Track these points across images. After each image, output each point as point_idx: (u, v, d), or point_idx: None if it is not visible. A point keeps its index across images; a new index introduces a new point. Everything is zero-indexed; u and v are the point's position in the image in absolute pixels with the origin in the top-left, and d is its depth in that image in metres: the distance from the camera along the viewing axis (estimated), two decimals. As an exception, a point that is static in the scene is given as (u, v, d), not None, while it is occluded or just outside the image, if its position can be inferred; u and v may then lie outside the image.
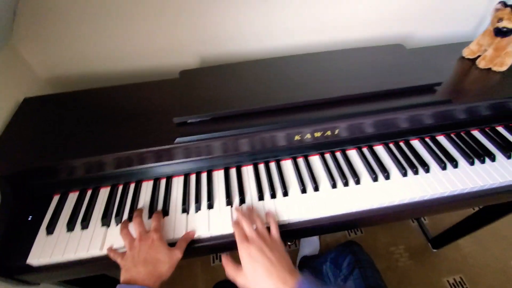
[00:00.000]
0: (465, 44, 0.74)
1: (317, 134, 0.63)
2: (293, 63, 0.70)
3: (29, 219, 0.60)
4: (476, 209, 1.11)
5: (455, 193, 0.61)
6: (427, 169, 0.63)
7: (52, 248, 0.55)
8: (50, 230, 0.57)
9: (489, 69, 0.70)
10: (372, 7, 0.81)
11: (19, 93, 0.71)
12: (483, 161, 0.64)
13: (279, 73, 0.67)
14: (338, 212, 0.58)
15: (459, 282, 1.19)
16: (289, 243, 1.30)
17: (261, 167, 0.66)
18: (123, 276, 0.47)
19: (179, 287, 1.19)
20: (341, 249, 0.85)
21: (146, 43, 0.76)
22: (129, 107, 0.65)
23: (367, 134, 0.67)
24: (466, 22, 0.88)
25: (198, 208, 0.58)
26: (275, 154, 0.67)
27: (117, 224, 0.57)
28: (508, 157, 0.65)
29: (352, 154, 0.67)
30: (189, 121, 0.59)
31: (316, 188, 0.61)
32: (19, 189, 0.62)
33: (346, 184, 0.61)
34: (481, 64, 0.69)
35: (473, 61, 0.72)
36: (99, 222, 0.57)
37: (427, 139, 0.69)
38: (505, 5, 0.63)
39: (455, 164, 0.63)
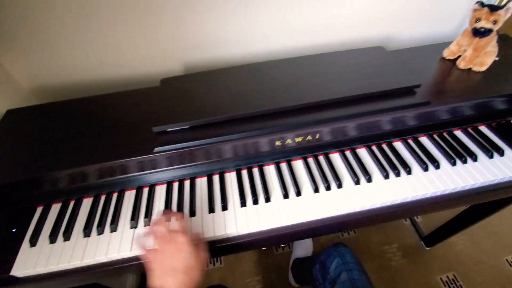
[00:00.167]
0: (447, 44, 0.74)
1: (298, 139, 0.63)
2: (274, 68, 0.70)
3: (14, 231, 0.60)
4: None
5: (437, 194, 0.61)
6: (408, 171, 0.63)
7: (35, 260, 0.55)
8: (33, 242, 0.57)
9: (470, 69, 0.70)
10: (354, 10, 0.81)
11: (1, 105, 0.71)
12: (465, 162, 0.64)
13: (259, 79, 0.67)
14: (320, 216, 0.59)
15: (452, 279, 1.19)
16: (282, 245, 1.30)
17: (244, 173, 0.66)
18: (156, 282, 0.45)
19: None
20: (328, 252, 0.85)
21: (127, 51, 0.76)
22: (110, 117, 0.65)
23: (349, 137, 0.67)
24: (448, 22, 0.88)
25: (180, 217, 0.58)
26: (258, 159, 0.67)
27: (98, 234, 0.57)
28: (490, 157, 0.65)
29: (335, 157, 0.67)
30: (168, 130, 0.59)
31: (298, 193, 0.61)
32: (3, 201, 0.62)
33: (328, 188, 0.61)
34: (461, 64, 0.70)
35: (453, 61, 0.73)
36: (81, 234, 0.57)
37: (409, 141, 0.69)
38: (483, 5, 0.63)
39: (436, 165, 0.64)
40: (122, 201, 0.62)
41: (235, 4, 0.73)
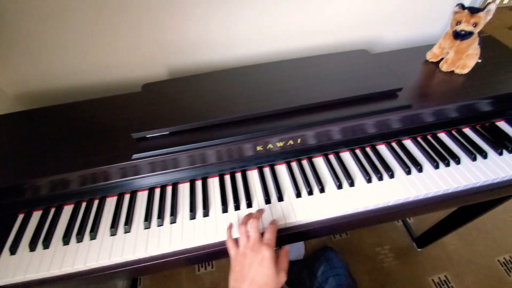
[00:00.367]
0: (431, 47, 0.74)
1: (280, 144, 0.63)
2: (256, 72, 0.70)
3: (-6, 239, 0.59)
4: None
5: (420, 197, 0.61)
6: (391, 174, 0.63)
7: (14, 268, 0.55)
8: (12, 250, 0.56)
9: (452, 71, 0.70)
10: (339, 13, 0.81)
11: (-16, 112, 0.70)
12: (447, 165, 0.64)
13: (242, 83, 0.67)
14: (301, 221, 0.58)
15: (444, 280, 1.19)
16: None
17: (227, 178, 0.66)
18: (231, 283, 0.48)
19: (165, 296, 1.19)
20: (316, 256, 0.85)
21: (111, 56, 0.75)
22: (91, 123, 0.65)
23: (333, 141, 0.67)
24: (434, 24, 0.88)
25: (160, 223, 0.58)
26: (242, 164, 0.67)
27: (77, 242, 0.56)
28: (473, 160, 0.65)
29: (319, 161, 0.67)
30: (148, 136, 0.58)
31: (280, 198, 0.61)
32: (-16, 209, 0.62)
33: (310, 192, 0.61)
34: (444, 67, 0.69)
35: (436, 64, 0.72)
36: (61, 241, 0.57)
37: (393, 144, 0.69)
38: (463, 7, 0.63)
39: (419, 168, 0.63)
40: (103, 208, 0.62)
41: (218, 8, 0.73)
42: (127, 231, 0.57)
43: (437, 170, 0.63)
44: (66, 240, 0.56)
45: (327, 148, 0.68)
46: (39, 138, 0.65)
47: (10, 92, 0.79)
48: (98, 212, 0.60)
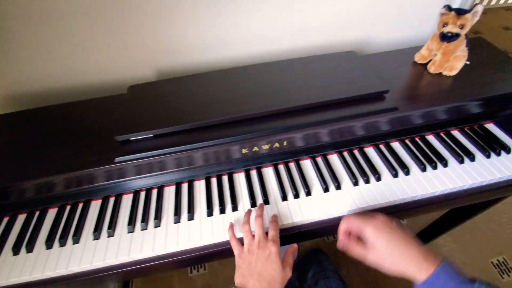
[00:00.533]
0: (420, 48, 0.74)
1: (266, 147, 0.62)
2: (243, 74, 0.69)
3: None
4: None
5: (407, 200, 0.61)
6: (378, 177, 0.62)
7: (-3, 272, 0.54)
8: (-4, 254, 0.56)
9: (440, 73, 0.69)
10: (328, 13, 0.80)
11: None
12: (435, 167, 0.64)
13: (228, 85, 0.67)
14: (287, 225, 0.58)
15: (437, 282, 1.18)
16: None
17: (214, 181, 0.65)
18: (238, 279, 0.49)
19: (157, 299, 1.18)
20: (306, 258, 0.84)
21: (97, 58, 0.74)
22: (76, 126, 0.64)
23: (320, 144, 0.67)
24: (424, 25, 0.88)
25: (144, 227, 0.57)
26: (229, 167, 0.66)
27: (60, 246, 0.56)
28: (460, 162, 0.64)
29: (306, 164, 0.67)
30: (131, 138, 0.58)
31: (266, 201, 0.60)
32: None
33: (296, 196, 0.61)
34: (432, 69, 0.69)
35: (425, 66, 0.72)
36: (44, 246, 0.56)
37: (381, 146, 0.69)
38: (450, 9, 0.62)
39: (406, 171, 0.63)
40: (88, 211, 0.61)
41: (207, 9, 0.72)
42: (110, 235, 0.57)
43: (424, 173, 0.63)
44: (49, 244, 0.56)
45: (315, 150, 0.68)
46: (23, 141, 0.64)
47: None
48: (82, 215, 0.60)
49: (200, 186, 0.64)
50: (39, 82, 0.76)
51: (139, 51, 0.75)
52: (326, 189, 0.61)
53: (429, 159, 0.64)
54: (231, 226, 0.55)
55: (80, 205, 0.62)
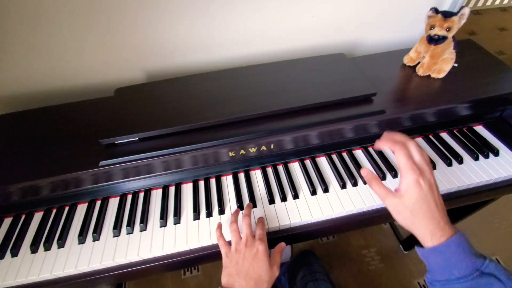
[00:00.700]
0: (409, 50, 0.74)
1: (253, 150, 0.62)
2: (231, 77, 0.69)
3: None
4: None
5: (394, 203, 0.61)
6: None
7: (-18, 277, 0.54)
8: (-20, 259, 0.55)
9: (429, 76, 0.69)
10: (319, 15, 0.80)
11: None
12: (423, 170, 0.63)
13: (215, 88, 0.66)
14: (275, 228, 0.58)
15: (430, 283, 1.19)
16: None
17: (201, 184, 0.65)
18: (224, 279, 0.48)
19: (150, 301, 1.18)
20: (296, 260, 0.84)
21: (85, 60, 0.74)
22: (62, 129, 0.64)
23: (309, 146, 0.66)
24: (415, 27, 0.88)
25: (130, 231, 0.57)
26: (217, 169, 0.66)
27: (45, 250, 0.55)
28: (448, 165, 0.64)
29: (295, 166, 0.67)
30: (116, 142, 0.57)
31: (253, 205, 0.60)
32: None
33: (284, 199, 0.61)
34: (420, 71, 0.69)
35: (413, 68, 0.72)
36: (29, 250, 0.56)
37: (370, 149, 0.69)
38: (437, 11, 0.62)
39: (394, 174, 0.63)
40: (73, 215, 0.61)
41: (196, 12, 0.72)
42: (96, 239, 0.56)
43: (412, 175, 0.63)
44: (33, 248, 0.55)
45: (303, 153, 0.67)
46: (6, 145, 0.63)
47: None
48: (67, 219, 0.59)
49: (187, 189, 0.64)
50: (23, 84, 0.76)
51: (128, 53, 0.75)
52: (313, 192, 0.61)
53: (417, 161, 0.64)
54: (219, 226, 0.55)
55: (66, 209, 0.62)
